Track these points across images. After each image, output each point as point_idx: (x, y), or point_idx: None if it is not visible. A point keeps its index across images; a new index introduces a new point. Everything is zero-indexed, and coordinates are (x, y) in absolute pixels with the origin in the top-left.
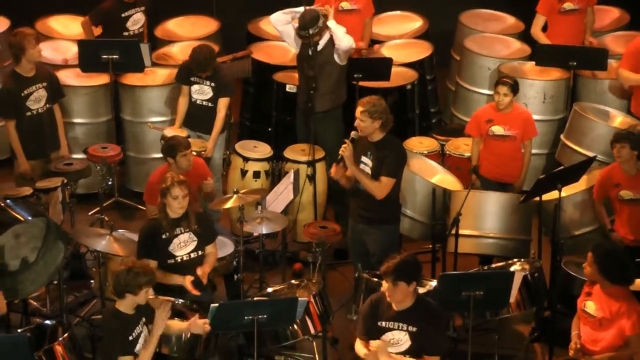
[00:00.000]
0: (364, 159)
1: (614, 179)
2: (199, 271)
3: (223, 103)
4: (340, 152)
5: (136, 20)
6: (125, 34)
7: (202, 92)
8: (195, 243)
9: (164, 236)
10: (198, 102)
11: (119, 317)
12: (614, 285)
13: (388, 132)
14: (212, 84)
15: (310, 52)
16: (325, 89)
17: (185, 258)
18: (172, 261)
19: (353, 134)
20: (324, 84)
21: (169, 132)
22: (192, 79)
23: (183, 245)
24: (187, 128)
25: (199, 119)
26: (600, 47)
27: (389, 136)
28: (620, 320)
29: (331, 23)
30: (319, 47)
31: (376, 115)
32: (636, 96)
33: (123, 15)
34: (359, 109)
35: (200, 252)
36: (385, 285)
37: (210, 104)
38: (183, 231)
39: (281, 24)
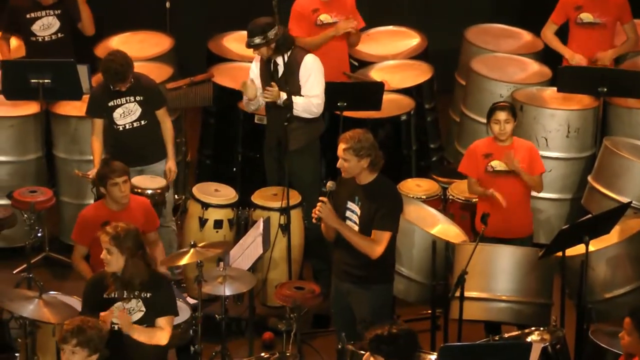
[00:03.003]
0: (350, 204)
1: None
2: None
3: (162, 114)
4: (316, 212)
5: (47, 25)
6: (33, 39)
7: (128, 112)
8: (141, 314)
9: (105, 295)
10: (127, 127)
11: None
12: None
13: (379, 173)
14: (138, 98)
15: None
16: (298, 121)
17: (118, 328)
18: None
19: (329, 185)
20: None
21: None
22: (110, 104)
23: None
24: None
25: (134, 148)
26: (635, 69)
27: (380, 178)
28: None
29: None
30: (280, 71)
31: (363, 153)
32: None
33: (28, 16)
34: (342, 146)
35: (145, 326)
36: (365, 355)
37: (143, 122)
38: (131, 296)
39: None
